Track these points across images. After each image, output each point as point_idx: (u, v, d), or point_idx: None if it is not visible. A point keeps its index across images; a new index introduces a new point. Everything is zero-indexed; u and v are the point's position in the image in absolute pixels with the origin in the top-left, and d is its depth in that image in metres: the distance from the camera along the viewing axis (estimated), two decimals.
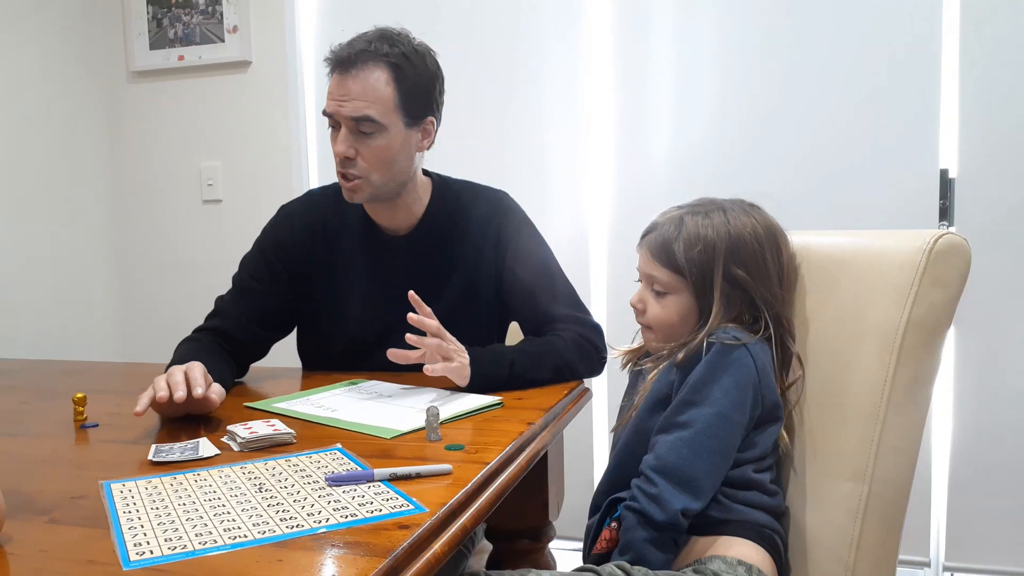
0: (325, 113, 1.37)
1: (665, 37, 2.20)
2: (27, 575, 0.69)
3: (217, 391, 1.18)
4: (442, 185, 1.51)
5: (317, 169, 2.54)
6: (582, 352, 1.41)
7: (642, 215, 1.96)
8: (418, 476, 0.90)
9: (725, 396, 1.07)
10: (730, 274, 1.12)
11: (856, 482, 1.05)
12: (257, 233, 1.54)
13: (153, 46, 2.62)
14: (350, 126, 1.34)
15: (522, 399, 1.27)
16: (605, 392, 2.28)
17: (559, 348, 1.39)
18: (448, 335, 1.30)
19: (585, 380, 1.43)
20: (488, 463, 0.95)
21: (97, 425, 1.17)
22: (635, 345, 1.30)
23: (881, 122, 2.03)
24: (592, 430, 2.31)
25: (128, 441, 1.10)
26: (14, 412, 1.33)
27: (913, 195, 2.01)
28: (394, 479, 0.89)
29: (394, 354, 1.28)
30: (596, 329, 1.47)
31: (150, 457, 0.99)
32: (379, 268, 1.48)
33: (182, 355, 1.33)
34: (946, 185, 1.99)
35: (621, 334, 1.81)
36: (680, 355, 1.12)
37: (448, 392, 1.29)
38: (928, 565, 2.05)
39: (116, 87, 2.68)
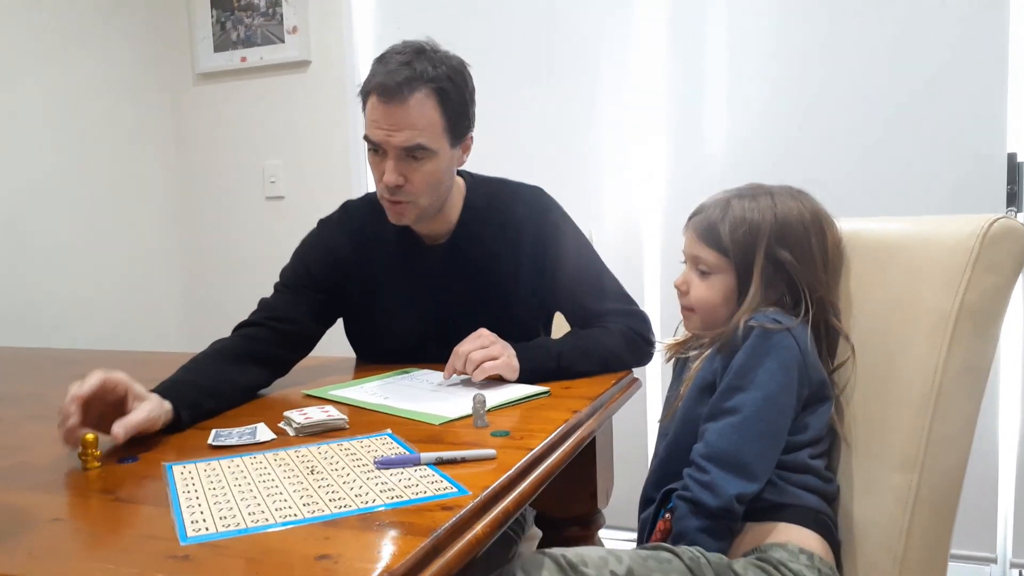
0: (368, 139, 1.35)
1: (719, 19, 2.17)
2: (89, 547, 0.74)
3: (143, 414, 1.03)
4: (475, 186, 1.51)
5: None
6: (629, 343, 1.42)
7: (696, 204, 1.97)
8: (463, 460, 0.93)
9: (771, 379, 1.07)
10: (773, 256, 1.14)
11: (906, 471, 1.04)
12: None
13: (217, 48, 2.72)
14: (398, 155, 1.33)
15: (569, 388, 1.28)
16: (659, 385, 2.28)
17: (606, 340, 1.41)
18: (488, 335, 1.33)
19: (636, 370, 1.43)
20: (532, 449, 0.97)
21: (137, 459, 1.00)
22: (679, 337, 1.30)
23: (943, 102, 1.97)
24: (646, 423, 2.31)
25: (192, 427, 1.16)
26: None
27: (978, 180, 1.95)
28: (440, 463, 0.92)
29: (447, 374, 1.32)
30: (643, 319, 1.48)
31: (210, 441, 1.04)
32: (419, 277, 1.50)
33: (187, 365, 1.29)
34: (1015, 170, 1.92)
35: (675, 325, 1.81)
36: (721, 340, 1.13)
37: (498, 383, 1.32)
38: (995, 561, 1.99)
39: (182, 90, 2.79)
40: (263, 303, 1.48)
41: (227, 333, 1.41)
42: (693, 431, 1.13)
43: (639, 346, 1.44)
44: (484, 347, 1.30)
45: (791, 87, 2.12)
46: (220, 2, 2.69)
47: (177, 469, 0.94)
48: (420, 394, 1.27)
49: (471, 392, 1.23)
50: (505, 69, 2.36)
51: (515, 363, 1.31)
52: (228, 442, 1.04)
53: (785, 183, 1.22)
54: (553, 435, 1.04)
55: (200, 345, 1.36)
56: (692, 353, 1.20)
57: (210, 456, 0.99)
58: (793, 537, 1.04)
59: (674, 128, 2.25)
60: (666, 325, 2.12)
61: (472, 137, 1.43)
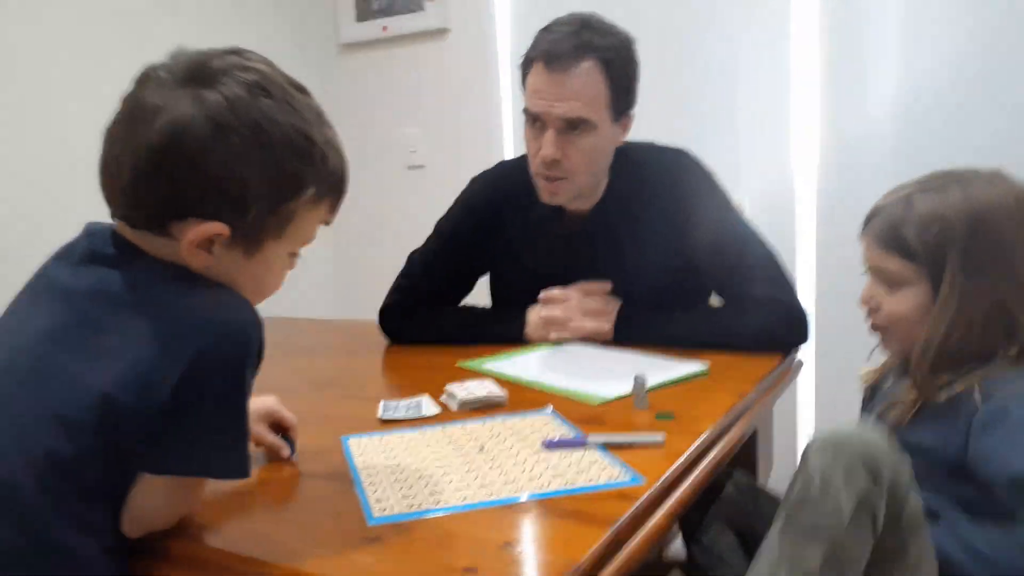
0: (527, 111, 1.33)
1: None
2: (283, 524, 0.77)
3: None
4: (622, 154, 1.46)
5: (513, 135, 2.58)
6: (766, 341, 1.31)
7: (857, 182, 1.84)
8: (631, 445, 0.91)
9: None
10: (972, 264, 0.97)
11: None
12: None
13: (359, 18, 2.76)
14: (559, 126, 1.30)
15: (730, 367, 1.24)
16: (812, 363, 2.15)
17: (728, 319, 1.36)
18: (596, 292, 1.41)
19: (797, 350, 1.36)
20: (702, 433, 0.94)
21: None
22: (875, 365, 1.17)
23: None
24: (796, 405, 2.20)
25: (360, 397, 1.20)
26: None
27: None
28: (608, 446, 0.91)
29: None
30: (791, 317, 1.34)
31: (379, 415, 1.07)
32: (563, 247, 1.48)
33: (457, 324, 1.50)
34: None
35: (829, 314, 1.69)
36: (943, 395, 0.97)
37: (650, 357, 1.29)
38: None
39: (327, 60, 2.86)
40: (417, 260, 1.57)
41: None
42: None
43: (774, 328, 1.32)
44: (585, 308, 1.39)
45: (976, 40, 1.92)
46: None
47: (353, 442, 0.97)
48: (574, 370, 1.26)
49: (625, 369, 1.21)
50: (653, 23, 2.27)
51: (607, 327, 1.38)
52: (396, 415, 1.06)
53: (974, 156, 1.07)
54: (722, 419, 1.00)
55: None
56: (887, 385, 1.09)
57: (382, 430, 1.02)
58: None
59: (832, 89, 2.10)
60: (818, 315, 2.01)
61: (633, 115, 1.38)
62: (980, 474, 0.92)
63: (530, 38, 1.35)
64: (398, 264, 1.59)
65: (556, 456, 0.89)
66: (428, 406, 1.10)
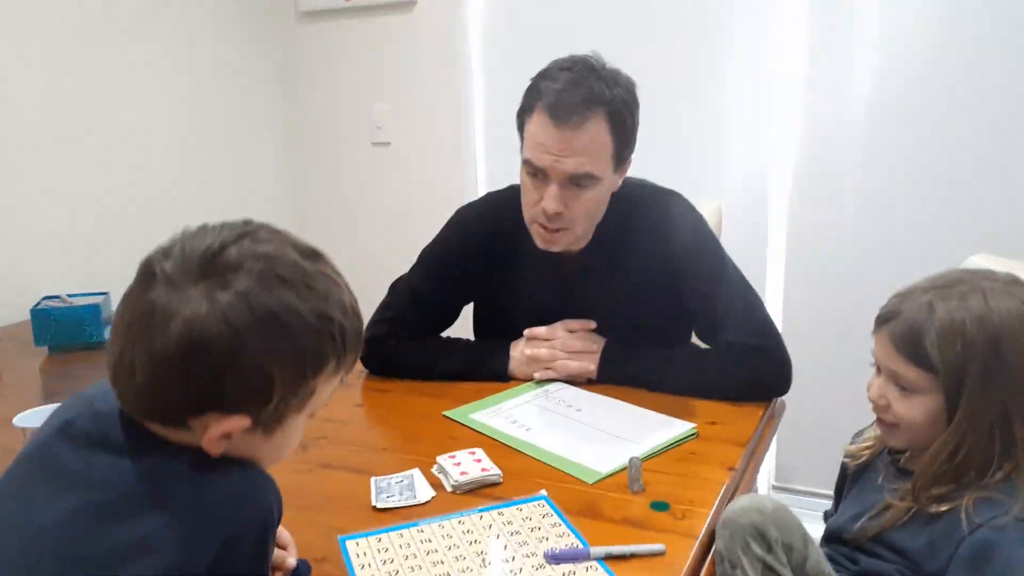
0: (529, 163, 1.30)
1: None
2: None
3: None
4: (615, 193, 1.43)
5: (484, 114, 2.51)
6: (751, 392, 1.33)
7: (832, 174, 1.82)
8: (632, 555, 0.92)
9: None
10: (989, 380, 0.95)
11: None
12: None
13: None
14: (563, 181, 1.27)
15: (716, 424, 1.26)
16: None
17: (721, 382, 1.34)
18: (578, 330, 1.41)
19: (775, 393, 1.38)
20: (697, 536, 0.96)
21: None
22: (865, 443, 1.17)
23: None
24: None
25: (348, 468, 1.18)
26: None
27: None
28: (609, 559, 0.92)
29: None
30: (777, 367, 1.34)
31: (373, 502, 1.07)
32: (554, 283, 1.47)
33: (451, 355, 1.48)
34: None
35: (797, 335, 1.70)
36: (936, 508, 0.98)
37: (636, 409, 1.30)
38: None
39: (286, 29, 2.72)
40: (403, 290, 1.53)
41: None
42: None
43: (760, 378, 1.34)
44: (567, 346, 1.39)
45: (954, 34, 1.91)
46: None
47: (351, 547, 0.96)
48: (564, 428, 1.26)
49: (617, 432, 1.22)
50: (628, 19, 2.21)
51: (591, 367, 1.39)
52: (391, 503, 1.06)
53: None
54: (715, 508, 1.02)
55: None
56: (879, 479, 1.10)
57: (377, 526, 1.01)
58: None
59: (813, 81, 2.08)
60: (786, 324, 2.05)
61: (631, 159, 1.35)
62: None
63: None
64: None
65: (559, 574, 0.90)
66: (421, 488, 1.09)
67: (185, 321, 0.63)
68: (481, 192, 1.70)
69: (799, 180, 2.16)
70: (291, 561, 0.92)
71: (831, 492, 1.28)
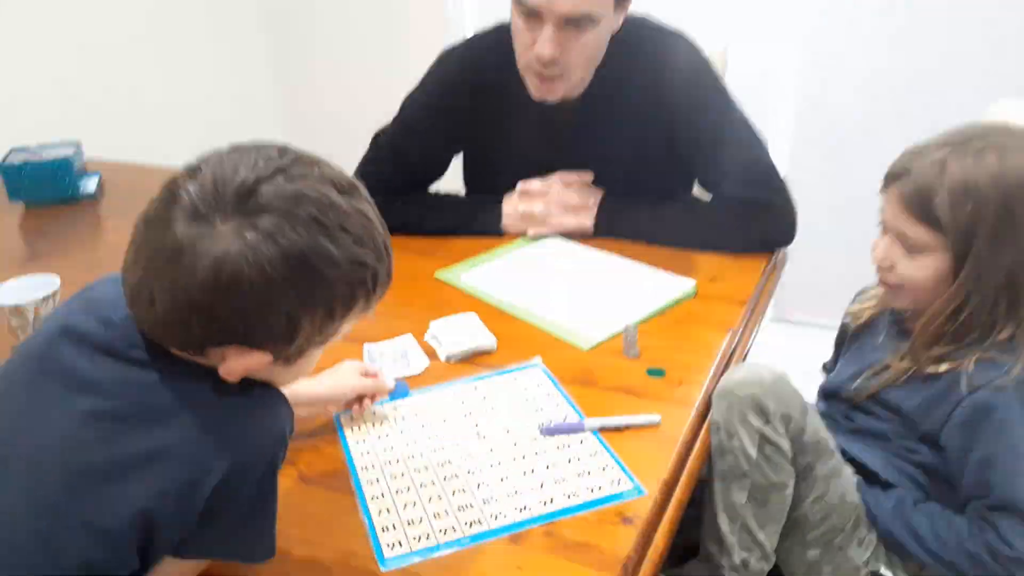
0: (522, 2, 1.16)
1: None
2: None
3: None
4: (615, 33, 1.30)
5: None
6: (754, 244, 1.28)
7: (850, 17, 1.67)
8: (628, 427, 0.92)
9: None
10: (999, 240, 0.91)
11: None
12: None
13: None
14: (558, 23, 1.15)
15: (716, 280, 1.22)
16: None
17: (709, 215, 1.31)
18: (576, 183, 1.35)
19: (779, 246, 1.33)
20: (694, 404, 0.95)
21: None
22: (867, 303, 1.14)
23: None
24: None
25: None
26: None
27: None
28: (604, 430, 0.91)
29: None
30: (781, 219, 1.29)
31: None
32: (546, 134, 1.37)
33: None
34: None
35: (803, 184, 1.62)
36: (934, 369, 0.97)
37: (634, 265, 1.26)
38: None
39: None
40: (384, 144, 1.44)
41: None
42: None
43: (763, 231, 1.29)
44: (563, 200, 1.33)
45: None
46: None
47: (345, 420, 0.96)
48: (559, 290, 1.22)
49: (614, 293, 1.19)
50: None
51: (588, 223, 1.34)
52: (384, 368, 1.03)
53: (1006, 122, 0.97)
54: (711, 373, 1.01)
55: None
56: (879, 340, 1.07)
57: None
58: None
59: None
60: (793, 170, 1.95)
61: None
62: (953, 466, 0.96)
63: None
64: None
65: (554, 447, 0.89)
66: (415, 357, 1.08)
67: (214, 260, 0.59)
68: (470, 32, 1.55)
69: (812, 19, 1.99)
70: (389, 382, 0.98)
71: (827, 321, 1.26)
